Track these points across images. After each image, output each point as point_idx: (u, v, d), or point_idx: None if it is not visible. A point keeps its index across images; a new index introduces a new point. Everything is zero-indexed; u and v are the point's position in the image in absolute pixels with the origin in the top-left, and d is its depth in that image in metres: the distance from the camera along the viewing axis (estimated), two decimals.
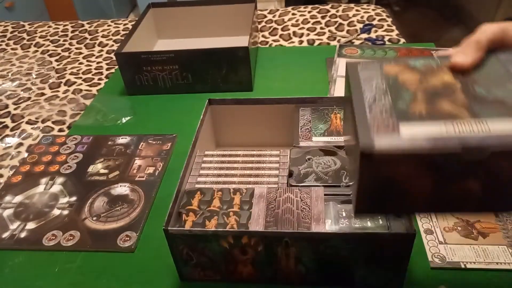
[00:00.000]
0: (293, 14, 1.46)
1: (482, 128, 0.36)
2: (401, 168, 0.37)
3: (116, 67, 1.25)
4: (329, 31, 1.36)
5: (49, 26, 1.54)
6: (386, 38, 1.28)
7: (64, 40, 1.45)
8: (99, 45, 1.40)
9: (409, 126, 0.37)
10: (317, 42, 1.31)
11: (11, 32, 1.52)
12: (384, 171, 0.37)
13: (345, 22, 1.39)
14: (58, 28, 1.52)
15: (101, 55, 1.35)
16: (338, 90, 1.03)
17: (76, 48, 1.39)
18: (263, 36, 1.37)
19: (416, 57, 0.48)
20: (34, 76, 1.26)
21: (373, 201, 0.41)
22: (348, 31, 1.35)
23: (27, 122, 1.06)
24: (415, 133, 0.36)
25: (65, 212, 0.80)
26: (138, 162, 0.91)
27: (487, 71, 0.44)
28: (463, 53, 0.45)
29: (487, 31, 0.46)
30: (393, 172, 0.37)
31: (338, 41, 1.30)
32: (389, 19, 1.40)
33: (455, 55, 0.45)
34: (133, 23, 1.50)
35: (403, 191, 0.39)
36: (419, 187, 0.39)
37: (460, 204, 0.41)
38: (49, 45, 1.42)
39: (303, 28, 1.38)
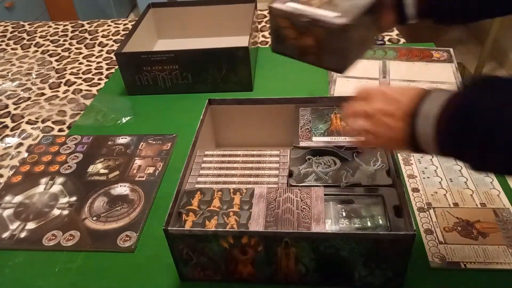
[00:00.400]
0: None
1: (314, 11, 0.68)
2: (281, 19, 0.71)
3: (116, 67, 1.25)
4: None
5: (49, 26, 1.54)
6: (386, 38, 1.28)
7: (64, 40, 1.45)
8: (99, 45, 1.40)
9: (291, 4, 0.70)
10: None
11: (11, 32, 1.52)
12: (275, 20, 0.72)
13: None
14: (58, 28, 1.52)
15: (101, 55, 1.35)
16: (338, 90, 1.03)
17: (76, 48, 1.39)
18: (263, 36, 1.37)
19: None
20: (34, 76, 1.26)
21: (276, 41, 0.75)
22: None
23: (27, 122, 1.06)
24: (291, 5, 0.69)
25: (65, 212, 0.80)
26: (138, 162, 0.91)
27: None
28: None
29: None
30: (279, 21, 0.72)
31: None
32: None
33: None
34: (133, 23, 1.50)
35: (284, 35, 0.72)
36: (288, 34, 0.71)
37: (307, 54, 0.73)
38: (49, 45, 1.42)
39: None
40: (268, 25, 0.86)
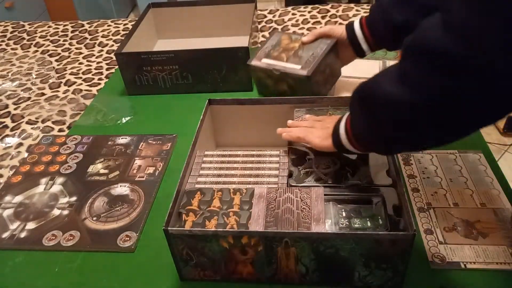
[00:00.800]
0: (293, 14, 1.46)
1: (283, 64, 0.88)
2: (260, 73, 0.93)
3: (116, 67, 1.25)
4: None
5: (49, 26, 1.54)
6: None
7: (64, 40, 1.45)
8: (99, 45, 1.40)
9: (266, 60, 0.91)
10: None
11: (11, 32, 1.52)
12: (255, 73, 0.94)
13: (345, 22, 1.39)
14: (58, 28, 1.52)
15: (101, 55, 1.35)
16: (338, 90, 1.03)
17: (76, 48, 1.39)
18: (263, 36, 1.37)
19: (298, 35, 0.97)
20: (34, 76, 1.26)
21: (259, 88, 0.98)
22: None
23: (27, 122, 1.06)
24: (265, 61, 0.91)
25: (65, 212, 0.80)
26: (138, 162, 0.91)
27: (311, 45, 0.92)
28: (306, 36, 0.93)
29: (323, 28, 0.93)
30: (259, 73, 0.94)
31: None
32: None
33: (304, 36, 0.94)
34: (133, 23, 1.50)
35: (265, 83, 0.94)
36: (268, 83, 0.93)
37: (284, 95, 0.88)
38: (49, 45, 1.42)
39: (303, 28, 1.38)
40: (265, 41, 0.98)
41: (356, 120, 0.62)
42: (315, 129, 0.73)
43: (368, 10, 1.44)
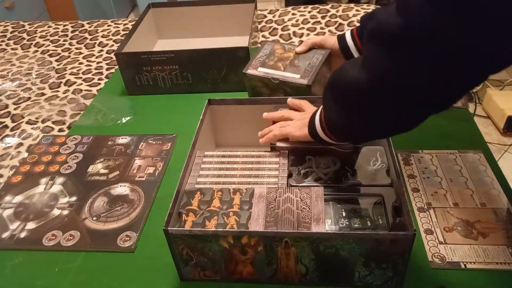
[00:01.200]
0: (293, 14, 1.46)
1: (282, 73, 0.88)
2: (256, 81, 0.91)
3: (116, 67, 1.25)
4: (329, 31, 1.36)
5: (49, 26, 1.54)
6: None
7: (64, 40, 1.45)
8: (99, 45, 1.40)
9: (262, 69, 0.91)
10: None
11: (11, 32, 1.52)
12: (250, 82, 0.92)
13: (345, 22, 1.39)
14: (58, 28, 1.52)
15: (101, 55, 1.35)
16: None
17: (76, 48, 1.39)
18: (263, 36, 1.37)
19: (291, 45, 0.97)
20: (34, 76, 1.26)
21: (253, 96, 0.93)
22: None
23: (27, 122, 1.06)
24: (262, 70, 0.90)
25: (65, 212, 0.80)
26: (138, 162, 0.91)
27: (306, 55, 0.93)
28: (299, 47, 0.94)
29: (315, 38, 0.93)
30: (254, 82, 0.91)
31: None
32: None
33: (297, 46, 0.95)
34: (133, 23, 1.50)
35: (260, 92, 0.92)
36: (264, 91, 0.92)
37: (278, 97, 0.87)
38: (49, 45, 1.42)
39: (303, 28, 1.38)
40: (260, 53, 0.97)
41: (327, 109, 0.64)
42: (291, 121, 0.76)
43: (367, 10, 1.45)
